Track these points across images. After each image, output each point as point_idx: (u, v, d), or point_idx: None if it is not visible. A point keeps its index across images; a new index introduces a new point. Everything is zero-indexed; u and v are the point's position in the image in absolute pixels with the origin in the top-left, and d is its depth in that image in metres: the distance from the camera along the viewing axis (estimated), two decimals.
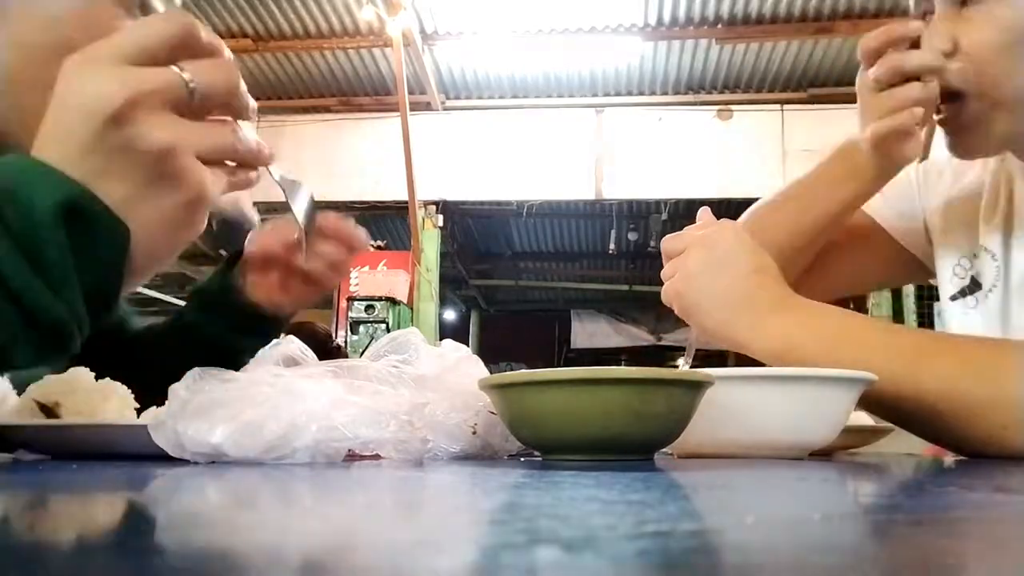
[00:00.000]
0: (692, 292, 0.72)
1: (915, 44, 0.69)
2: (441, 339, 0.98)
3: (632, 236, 7.24)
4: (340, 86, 6.09)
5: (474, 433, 0.60)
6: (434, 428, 0.57)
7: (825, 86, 5.78)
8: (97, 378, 0.69)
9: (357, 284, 6.04)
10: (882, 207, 0.93)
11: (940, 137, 0.74)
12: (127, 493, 0.36)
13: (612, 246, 7.21)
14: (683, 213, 6.24)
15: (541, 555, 0.18)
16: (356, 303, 5.78)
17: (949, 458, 0.70)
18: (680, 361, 0.83)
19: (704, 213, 0.78)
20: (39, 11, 0.61)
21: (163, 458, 0.51)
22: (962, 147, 0.74)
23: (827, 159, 0.83)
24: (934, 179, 0.91)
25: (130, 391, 0.69)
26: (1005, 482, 0.43)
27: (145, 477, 0.43)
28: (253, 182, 0.50)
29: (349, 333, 5.70)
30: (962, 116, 0.70)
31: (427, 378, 0.61)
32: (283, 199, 0.58)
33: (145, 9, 0.66)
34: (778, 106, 5.79)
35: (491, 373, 0.59)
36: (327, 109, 6.23)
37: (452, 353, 0.66)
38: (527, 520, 0.24)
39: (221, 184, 0.47)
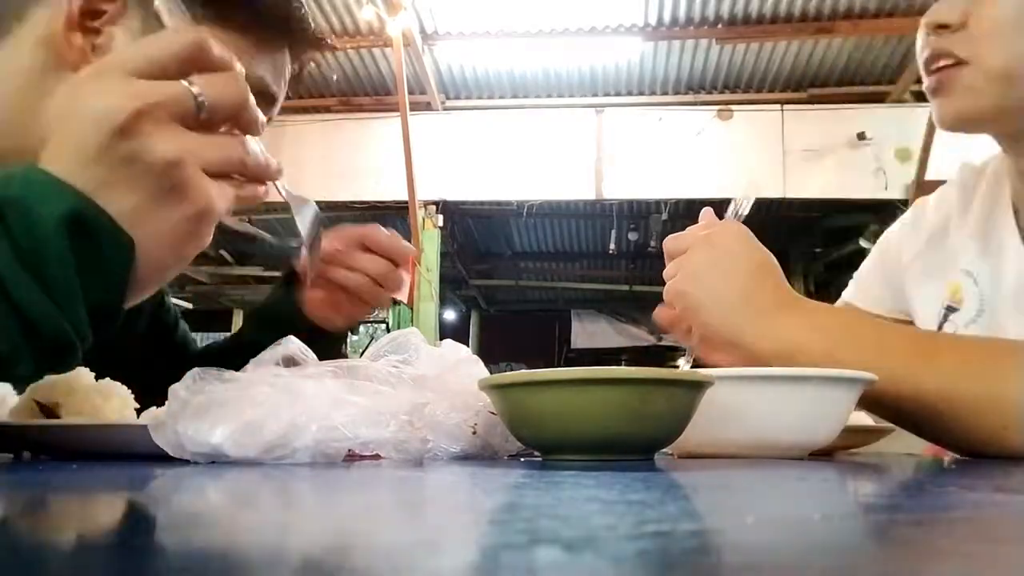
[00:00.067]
0: (694, 292, 0.72)
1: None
2: (441, 339, 0.98)
3: (632, 236, 7.24)
4: (340, 86, 6.08)
5: (474, 433, 0.60)
6: (434, 428, 0.57)
7: (825, 86, 5.78)
8: (97, 378, 0.69)
9: None
10: (856, 297, 0.95)
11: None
12: (127, 493, 0.36)
13: (612, 246, 7.21)
14: (683, 213, 6.24)
15: (541, 555, 0.18)
16: None
17: (949, 458, 0.70)
18: (680, 361, 0.83)
19: (707, 213, 0.78)
20: None
21: (163, 458, 0.51)
22: (950, 113, 0.74)
23: None
24: (908, 239, 0.93)
25: (130, 391, 0.70)
26: (1005, 482, 0.43)
27: (145, 477, 0.43)
28: (261, 197, 0.50)
29: (349, 333, 5.69)
30: (956, 81, 0.71)
31: (427, 378, 0.61)
32: (279, 199, 0.58)
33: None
34: (778, 106, 5.78)
35: (491, 373, 0.59)
36: (327, 109, 6.23)
37: (452, 353, 0.66)
38: (527, 520, 0.24)
39: (228, 197, 0.47)
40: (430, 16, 5.24)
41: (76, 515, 0.29)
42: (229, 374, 0.54)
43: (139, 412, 0.67)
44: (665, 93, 6.10)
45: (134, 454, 0.58)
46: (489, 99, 6.19)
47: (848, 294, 0.98)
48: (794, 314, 0.69)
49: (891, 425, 0.73)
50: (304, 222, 0.57)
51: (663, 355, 8.81)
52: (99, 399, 0.67)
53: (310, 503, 0.33)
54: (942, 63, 0.72)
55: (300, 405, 0.51)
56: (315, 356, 0.60)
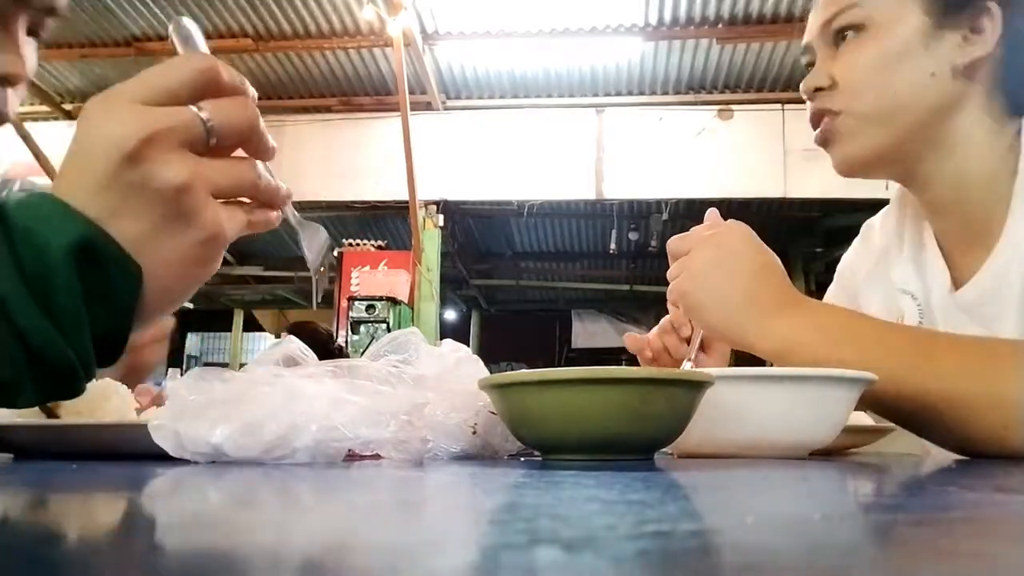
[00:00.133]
0: (697, 291, 0.72)
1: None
2: (441, 339, 0.98)
3: (633, 236, 7.24)
4: (340, 86, 6.08)
5: (474, 433, 0.60)
6: (434, 428, 0.57)
7: None
8: (97, 378, 0.69)
9: (358, 284, 6.05)
10: None
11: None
12: (127, 493, 0.36)
13: (613, 246, 7.21)
14: (684, 213, 6.24)
15: (541, 555, 0.18)
16: (357, 303, 5.78)
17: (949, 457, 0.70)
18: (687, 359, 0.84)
19: (712, 214, 0.79)
20: None
21: (163, 458, 0.51)
22: (839, 160, 0.81)
23: None
24: (860, 259, 0.96)
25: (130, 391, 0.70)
26: (1005, 482, 0.43)
27: (145, 477, 0.43)
28: (273, 222, 0.50)
29: (350, 333, 5.70)
30: (835, 131, 0.79)
31: (427, 378, 0.61)
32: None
33: None
34: (778, 106, 5.78)
35: (491, 373, 0.59)
36: (327, 109, 6.23)
37: (452, 353, 0.66)
38: (527, 520, 0.24)
39: (239, 222, 0.47)
40: (430, 16, 5.24)
41: (76, 515, 0.29)
42: (229, 374, 0.54)
43: (139, 411, 0.67)
44: (665, 93, 6.10)
45: (134, 454, 0.58)
46: (489, 99, 6.19)
47: None
48: (796, 314, 0.70)
49: (891, 425, 0.74)
50: (312, 248, 0.57)
51: None
52: (99, 399, 0.67)
53: (310, 503, 0.33)
54: (824, 119, 0.80)
55: (300, 405, 0.51)
56: (314, 356, 0.60)
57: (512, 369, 0.59)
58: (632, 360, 0.96)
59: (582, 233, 7.82)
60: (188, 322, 9.60)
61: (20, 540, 0.22)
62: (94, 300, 0.41)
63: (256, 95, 0.48)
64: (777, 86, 5.85)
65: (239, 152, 0.47)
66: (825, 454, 0.72)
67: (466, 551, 0.20)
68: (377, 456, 0.54)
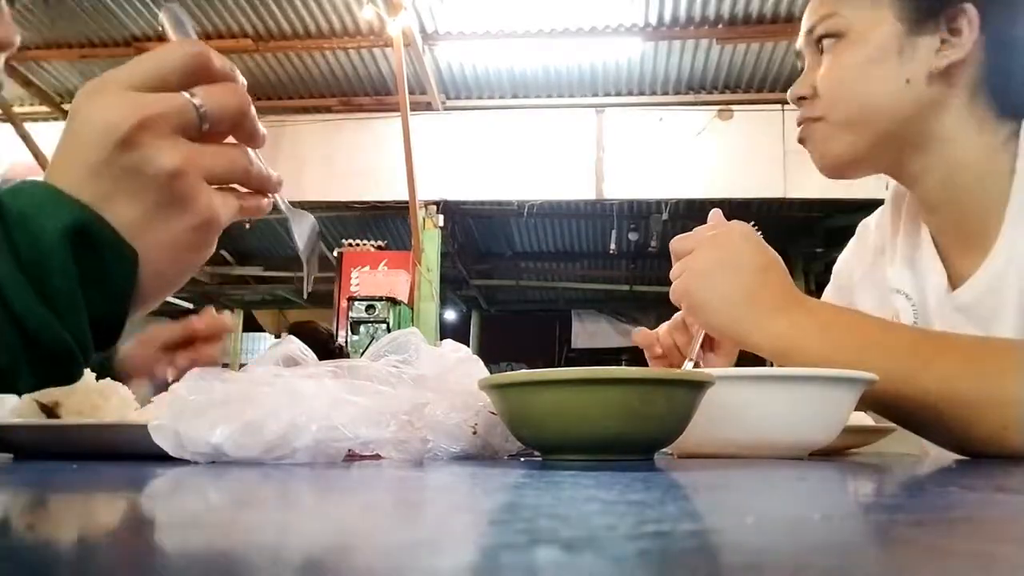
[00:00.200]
0: (699, 291, 0.72)
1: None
2: (441, 339, 0.98)
3: (633, 236, 7.24)
4: (340, 86, 6.08)
5: (474, 433, 0.60)
6: (434, 428, 0.57)
7: None
8: (97, 378, 0.69)
9: (358, 284, 6.05)
10: None
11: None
12: (127, 493, 0.36)
13: (613, 246, 7.21)
14: (684, 213, 6.24)
15: (541, 555, 0.18)
16: (357, 303, 5.78)
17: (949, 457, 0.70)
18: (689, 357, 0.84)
19: (715, 214, 0.79)
20: None
21: (163, 458, 0.51)
22: (817, 160, 0.83)
23: None
24: (856, 259, 0.97)
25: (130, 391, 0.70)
26: (1005, 482, 0.43)
27: (145, 477, 0.43)
28: (265, 209, 0.50)
29: (349, 333, 5.70)
30: (813, 133, 0.83)
31: (427, 378, 0.61)
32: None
33: None
34: (778, 106, 5.78)
35: (491, 373, 0.59)
36: (327, 109, 6.22)
37: (452, 353, 0.66)
38: (527, 520, 0.24)
39: (232, 207, 0.47)
40: (430, 16, 5.24)
41: (76, 515, 0.29)
42: (229, 374, 0.54)
43: None
44: (665, 93, 6.09)
45: (134, 454, 0.58)
46: (489, 99, 6.19)
47: None
48: (798, 314, 0.70)
49: (891, 425, 0.74)
50: (302, 236, 0.57)
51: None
52: (99, 399, 0.67)
53: (310, 503, 0.33)
54: (803, 124, 0.84)
55: (300, 405, 0.51)
56: (314, 356, 0.60)
57: (512, 369, 0.59)
58: (632, 360, 0.96)
59: (582, 233, 7.82)
60: None
61: (20, 540, 0.22)
62: (90, 284, 0.41)
63: (245, 82, 0.48)
64: (777, 86, 5.84)
65: (230, 139, 0.48)
66: (825, 454, 0.72)
67: (466, 551, 0.20)
68: (377, 456, 0.54)
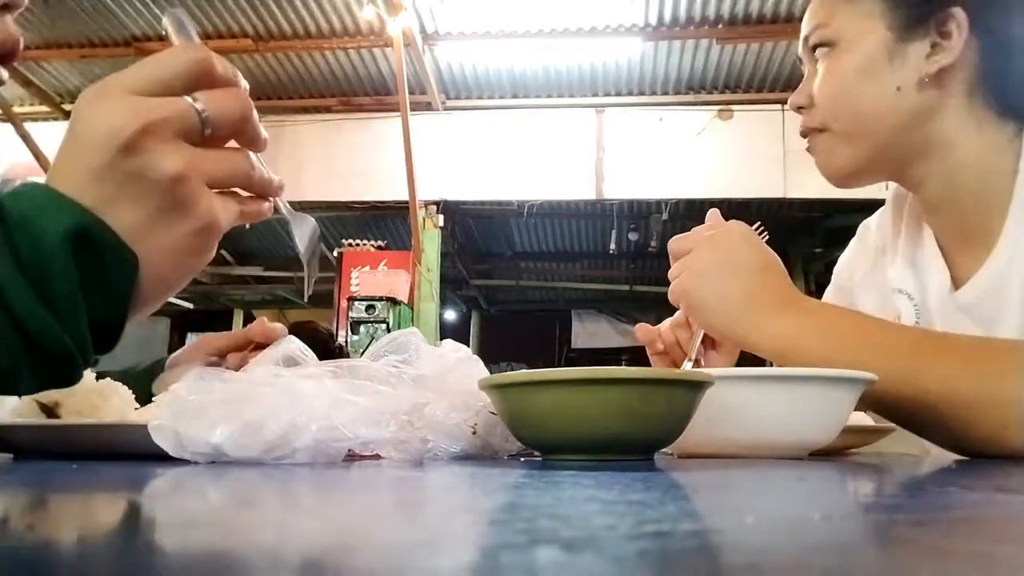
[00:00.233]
0: (698, 291, 0.72)
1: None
2: (441, 339, 0.98)
3: (633, 236, 7.24)
4: (340, 86, 6.08)
5: (474, 433, 0.60)
6: (434, 428, 0.57)
7: None
8: (97, 378, 0.69)
9: (357, 284, 6.05)
10: None
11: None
12: (127, 493, 0.36)
13: (613, 246, 7.20)
14: (684, 213, 6.24)
15: (541, 555, 0.18)
16: (356, 303, 5.78)
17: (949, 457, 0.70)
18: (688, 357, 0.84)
19: (713, 214, 0.79)
20: None
21: (163, 458, 0.51)
22: (823, 170, 0.83)
23: None
24: (857, 260, 0.97)
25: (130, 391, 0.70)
26: (1005, 482, 0.43)
27: (145, 477, 0.43)
28: (266, 213, 0.50)
29: (349, 333, 5.70)
30: (817, 145, 0.83)
31: (427, 378, 0.61)
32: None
33: None
34: (778, 106, 5.78)
35: (491, 373, 0.59)
36: (327, 109, 6.22)
37: (452, 353, 0.66)
38: (527, 520, 0.24)
39: (233, 212, 0.47)
40: (430, 16, 5.24)
41: (76, 515, 0.29)
42: (229, 374, 0.54)
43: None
44: (665, 93, 6.10)
45: (134, 454, 0.58)
46: (489, 99, 6.19)
47: None
48: (797, 314, 0.70)
49: (891, 425, 0.74)
50: (303, 239, 0.57)
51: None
52: (99, 399, 0.67)
53: (310, 503, 0.33)
54: (809, 135, 0.84)
55: (300, 405, 0.51)
56: (314, 356, 0.60)
57: (512, 369, 0.59)
58: (632, 360, 0.96)
59: (582, 233, 7.82)
60: (188, 322, 9.60)
61: (20, 540, 0.22)
62: (90, 287, 0.41)
63: (248, 87, 0.48)
64: (777, 86, 5.85)
65: (232, 143, 0.48)
66: (825, 454, 0.72)
67: (466, 551, 0.20)
68: (377, 456, 0.54)
